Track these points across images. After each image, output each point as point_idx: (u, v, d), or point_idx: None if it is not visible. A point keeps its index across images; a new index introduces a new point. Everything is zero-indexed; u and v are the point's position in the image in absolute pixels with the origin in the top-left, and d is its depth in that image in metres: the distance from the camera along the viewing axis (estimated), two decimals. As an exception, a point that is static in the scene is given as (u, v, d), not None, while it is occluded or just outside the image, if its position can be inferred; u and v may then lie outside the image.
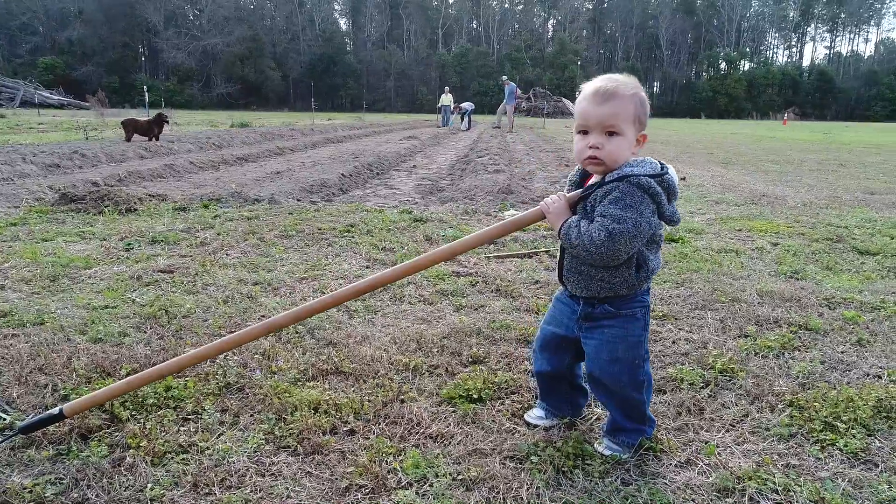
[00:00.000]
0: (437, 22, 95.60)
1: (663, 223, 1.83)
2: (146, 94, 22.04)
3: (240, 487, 1.81)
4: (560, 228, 1.80)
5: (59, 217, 5.71)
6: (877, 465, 1.92)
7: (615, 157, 1.78)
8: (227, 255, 4.41)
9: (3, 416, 2.14)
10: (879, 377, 2.53)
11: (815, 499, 1.73)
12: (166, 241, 4.77)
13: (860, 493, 1.78)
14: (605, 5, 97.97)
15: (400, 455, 1.95)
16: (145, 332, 2.96)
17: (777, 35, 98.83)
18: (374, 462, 1.90)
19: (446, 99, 30.61)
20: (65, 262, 4.10)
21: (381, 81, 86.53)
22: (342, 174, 9.03)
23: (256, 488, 1.80)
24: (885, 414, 2.20)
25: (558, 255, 1.95)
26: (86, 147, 11.71)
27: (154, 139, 14.50)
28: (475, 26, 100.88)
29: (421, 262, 1.99)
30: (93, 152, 11.01)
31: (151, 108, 21.69)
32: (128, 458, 1.92)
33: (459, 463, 1.92)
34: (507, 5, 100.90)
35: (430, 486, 1.80)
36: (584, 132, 1.81)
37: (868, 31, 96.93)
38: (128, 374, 2.47)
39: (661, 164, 1.82)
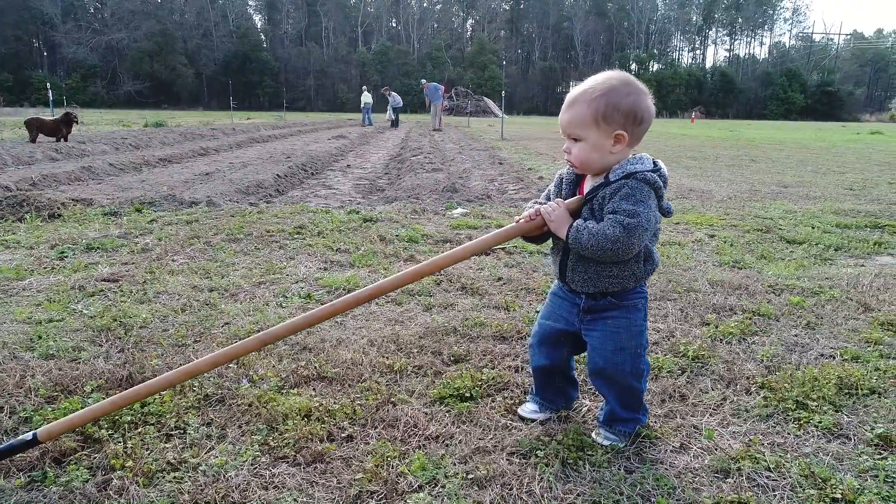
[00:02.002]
0: (356, 20, 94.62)
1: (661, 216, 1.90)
2: (49, 91, 20.52)
3: (244, 503, 1.73)
4: (567, 233, 1.82)
5: (-28, 225, 5.24)
6: (850, 439, 2.06)
7: (582, 160, 1.85)
8: (173, 260, 4.19)
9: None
10: (833, 357, 2.72)
11: (806, 473, 1.84)
12: (103, 247, 4.48)
13: (842, 465, 1.91)
14: (522, 6, 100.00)
15: (405, 458, 1.93)
16: (101, 345, 2.77)
17: (682, 38, 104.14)
18: (381, 467, 1.86)
19: (367, 97, 30.37)
20: (-8, 273, 3.77)
21: (301, 80, 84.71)
22: (277, 174, 8.78)
23: (263, 502, 1.72)
24: (846, 391, 2.37)
25: (559, 255, 1.97)
26: (-12, 149, 10.83)
27: (63, 140, 13.62)
28: (395, 25, 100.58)
29: (423, 268, 1.96)
30: (-4, 154, 10.19)
31: (53, 106, 20.27)
32: (115, 481, 1.79)
33: (466, 462, 1.91)
34: (425, 4, 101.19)
35: (443, 487, 1.79)
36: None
37: (763, 36, 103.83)
38: (93, 391, 2.32)
39: (653, 160, 1.88)
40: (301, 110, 69.45)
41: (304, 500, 1.74)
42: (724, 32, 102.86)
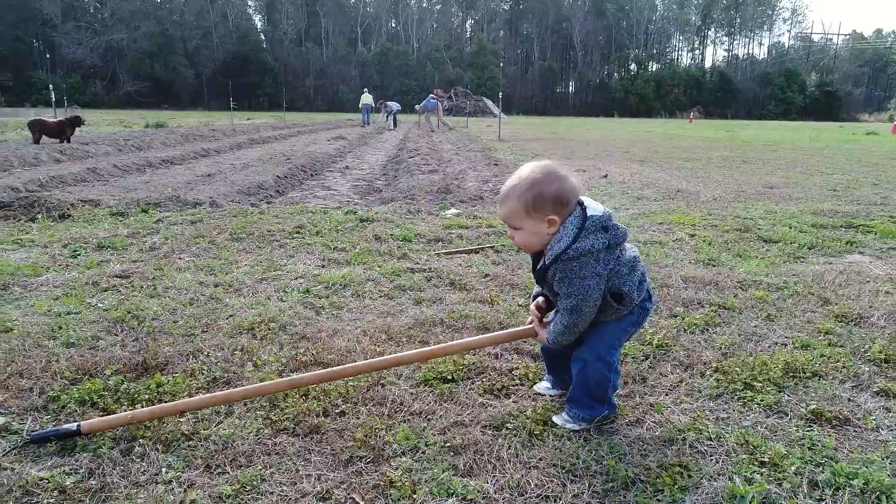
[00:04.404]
0: (355, 20, 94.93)
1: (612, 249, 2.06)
2: (52, 92, 20.78)
3: (250, 465, 1.98)
4: (548, 340, 2.22)
5: (-13, 225, 5.50)
6: (786, 414, 2.32)
7: (524, 244, 2.14)
8: (179, 258, 4.45)
9: (-1, 418, 2.21)
10: (785, 345, 2.98)
11: (742, 442, 2.10)
12: (113, 246, 4.75)
13: (775, 435, 2.17)
14: (521, 7, 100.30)
15: (391, 430, 2.19)
16: (117, 334, 3.03)
17: (681, 38, 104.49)
18: (370, 437, 2.12)
19: (366, 98, 30.86)
20: (10, 270, 4.03)
21: (300, 80, 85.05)
22: (277, 176, 9.04)
23: (266, 465, 1.98)
24: (791, 374, 2.63)
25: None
26: (-6, 150, 11.09)
27: (66, 141, 13.89)
28: (394, 25, 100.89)
29: (436, 350, 2.40)
30: (2, 156, 10.46)
31: (55, 107, 20.55)
32: (137, 448, 2.05)
33: (444, 433, 2.17)
34: (424, 5, 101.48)
35: (423, 453, 2.05)
36: None
37: (762, 36, 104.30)
38: (112, 375, 2.57)
39: (579, 204, 2.04)
40: (301, 110, 69.78)
41: (303, 463, 2.00)
42: (723, 32, 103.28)
